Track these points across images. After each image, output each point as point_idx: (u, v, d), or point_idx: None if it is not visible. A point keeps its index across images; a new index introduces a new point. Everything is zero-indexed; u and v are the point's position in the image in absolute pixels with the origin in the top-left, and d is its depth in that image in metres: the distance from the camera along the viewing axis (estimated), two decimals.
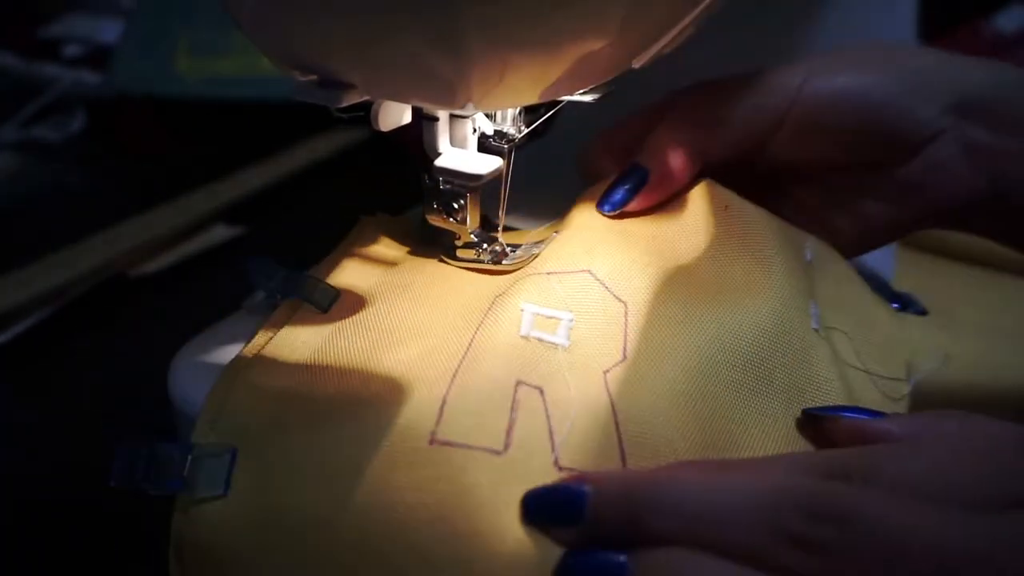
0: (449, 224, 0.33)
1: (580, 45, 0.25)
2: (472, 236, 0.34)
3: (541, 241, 0.34)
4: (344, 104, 0.26)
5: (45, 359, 0.41)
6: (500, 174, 0.31)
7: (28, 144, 0.65)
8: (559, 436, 0.25)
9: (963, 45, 0.72)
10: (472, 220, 0.33)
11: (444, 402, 0.25)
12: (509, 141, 0.31)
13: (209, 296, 0.35)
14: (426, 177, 0.33)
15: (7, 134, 0.66)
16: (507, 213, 0.33)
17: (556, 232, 0.34)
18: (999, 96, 0.33)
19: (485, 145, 0.32)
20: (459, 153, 0.31)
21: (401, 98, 0.28)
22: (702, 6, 0.28)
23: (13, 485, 0.38)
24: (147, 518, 0.26)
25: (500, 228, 0.33)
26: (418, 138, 0.31)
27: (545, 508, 0.23)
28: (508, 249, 0.34)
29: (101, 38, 0.78)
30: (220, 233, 0.52)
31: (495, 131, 0.32)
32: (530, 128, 0.32)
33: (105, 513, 0.36)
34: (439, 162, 0.30)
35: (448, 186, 0.33)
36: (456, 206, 0.33)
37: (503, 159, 0.31)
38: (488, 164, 0.30)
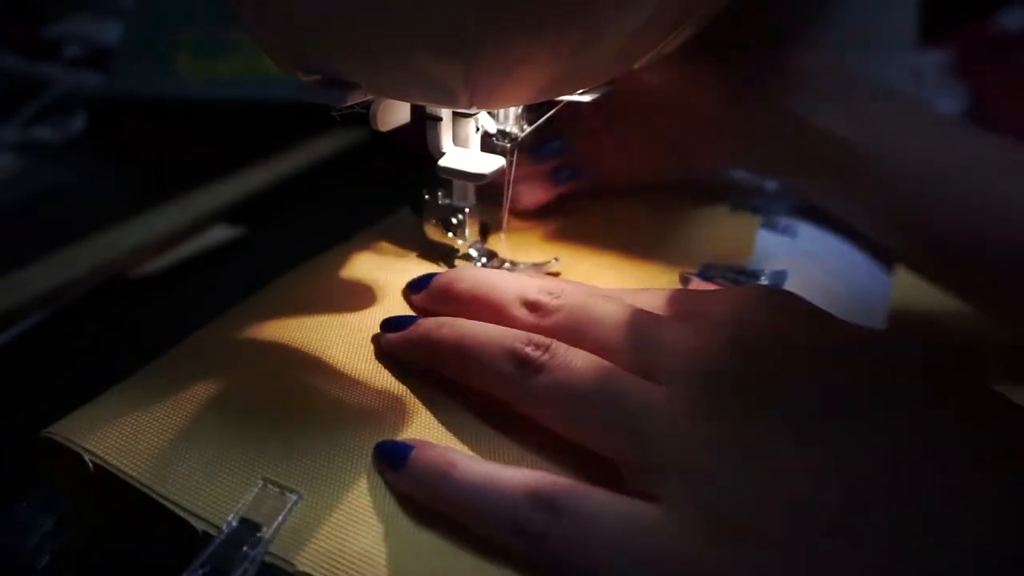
0: (447, 238, 0.33)
1: (581, 46, 0.25)
2: (471, 250, 0.34)
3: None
4: (348, 103, 0.25)
5: (45, 359, 0.41)
6: (503, 173, 0.31)
7: (28, 144, 0.65)
8: None
9: (963, 45, 0.72)
10: (471, 234, 0.33)
11: None
12: (512, 140, 0.31)
13: (209, 296, 0.35)
14: (424, 192, 0.33)
15: (7, 134, 0.66)
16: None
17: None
18: None
19: (488, 144, 0.32)
20: (462, 152, 0.31)
21: (406, 97, 0.28)
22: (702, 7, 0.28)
23: None
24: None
25: (503, 226, 0.33)
26: (413, 138, 0.31)
27: None
28: (507, 267, 0.34)
29: (101, 38, 0.78)
30: (220, 233, 0.52)
31: (498, 130, 0.32)
32: (532, 127, 0.32)
33: None
34: (443, 161, 0.30)
35: (447, 201, 0.33)
36: (454, 220, 0.33)
37: (505, 158, 0.31)
38: (491, 163, 0.30)
